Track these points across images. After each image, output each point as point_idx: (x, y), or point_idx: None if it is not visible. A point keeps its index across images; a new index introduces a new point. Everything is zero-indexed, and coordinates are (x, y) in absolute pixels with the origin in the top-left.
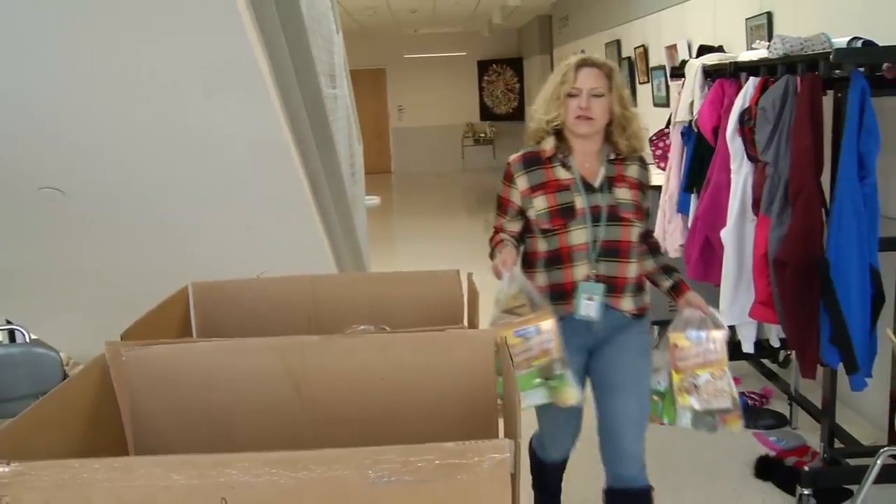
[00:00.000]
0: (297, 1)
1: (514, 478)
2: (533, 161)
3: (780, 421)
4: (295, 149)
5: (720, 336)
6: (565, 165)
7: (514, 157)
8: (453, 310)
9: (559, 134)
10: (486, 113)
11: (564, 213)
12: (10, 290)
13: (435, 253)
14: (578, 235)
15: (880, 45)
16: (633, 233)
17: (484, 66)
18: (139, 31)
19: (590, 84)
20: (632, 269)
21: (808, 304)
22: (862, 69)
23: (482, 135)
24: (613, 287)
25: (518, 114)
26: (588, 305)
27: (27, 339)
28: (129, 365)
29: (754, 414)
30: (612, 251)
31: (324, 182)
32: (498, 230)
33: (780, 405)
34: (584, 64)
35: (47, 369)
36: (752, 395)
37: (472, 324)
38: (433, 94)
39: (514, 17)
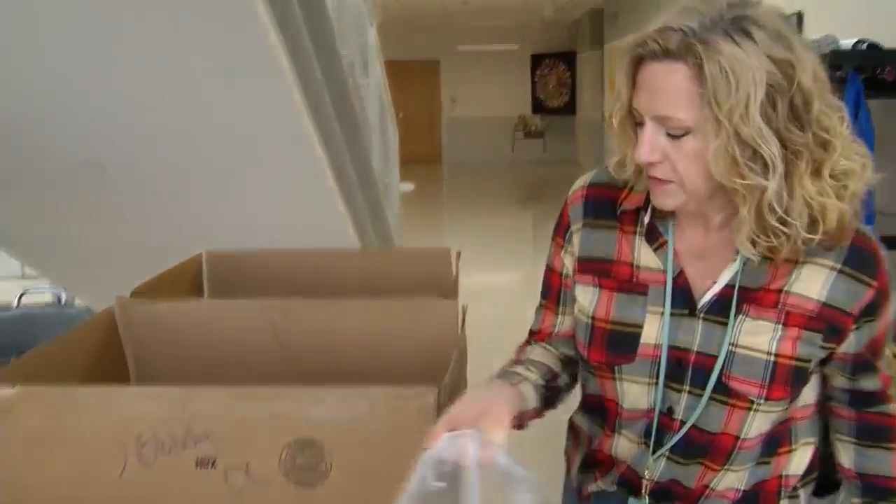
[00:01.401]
0: None
1: None
2: (604, 208)
3: None
4: (316, 133)
5: None
6: (654, 237)
7: (576, 189)
8: (444, 284)
9: None
10: (538, 106)
11: (615, 345)
12: (60, 258)
13: (481, 243)
14: (636, 394)
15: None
16: (755, 424)
17: (537, 60)
18: (164, 19)
19: (655, 106)
20: (727, 481)
21: None
22: (862, 71)
23: (533, 127)
24: (692, 493)
25: (570, 108)
26: None
27: (62, 302)
28: (135, 318)
29: None
30: (698, 449)
31: (349, 165)
32: (533, 340)
33: None
34: (650, 53)
35: None
36: None
37: (451, 297)
38: (486, 87)
39: (567, 10)
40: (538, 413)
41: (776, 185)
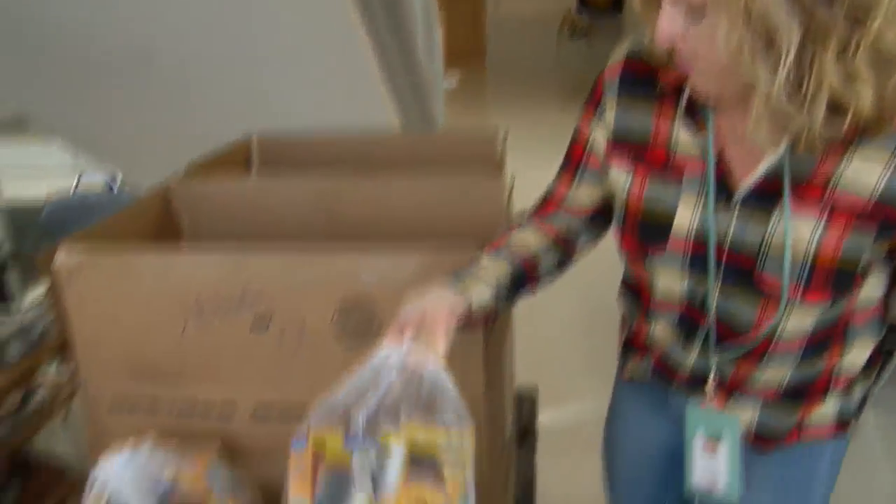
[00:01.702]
0: None
1: None
2: (642, 84)
3: None
4: (360, 17)
5: None
6: (693, 119)
7: (615, 61)
8: (490, 162)
9: None
10: (584, 3)
11: (647, 234)
12: (111, 144)
13: (525, 141)
14: (667, 285)
15: None
16: (790, 325)
17: None
18: None
19: None
20: (766, 378)
21: None
22: None
23: (579, 26)
24: (727, 385)
25: (617, 5)
26: (708, 466)
27: (114, 190)
28: (188, 196)
29: None
30: (730, 346)
31: (393, 49)
32: (544, 206)
33: None
34: None
35: None
36: None
37: (498, 173)
38: None
39: None
40: (496, 310)
41: (788, 72)
